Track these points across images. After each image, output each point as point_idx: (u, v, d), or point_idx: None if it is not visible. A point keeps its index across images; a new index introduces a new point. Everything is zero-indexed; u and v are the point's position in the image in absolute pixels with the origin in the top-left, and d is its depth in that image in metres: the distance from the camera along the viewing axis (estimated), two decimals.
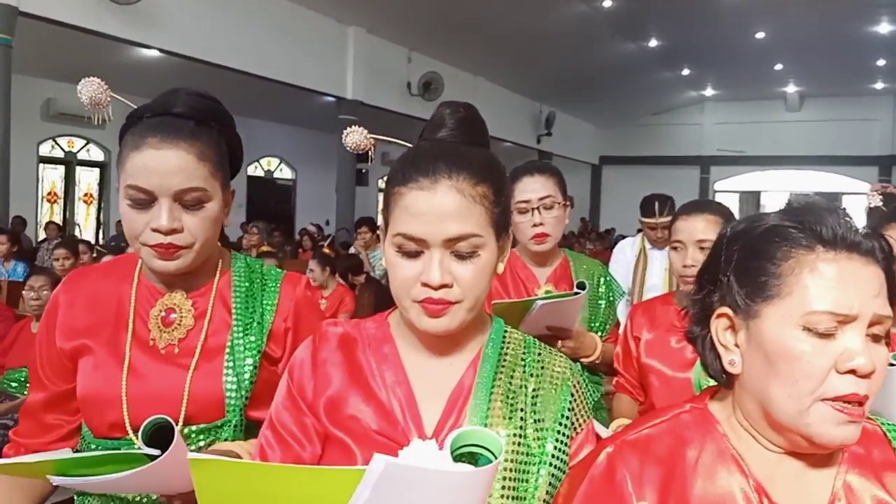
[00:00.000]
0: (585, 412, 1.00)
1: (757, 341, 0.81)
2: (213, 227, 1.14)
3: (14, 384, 3.56)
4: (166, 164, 1.07)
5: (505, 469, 0.90)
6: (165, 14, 7.89)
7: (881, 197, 1.78)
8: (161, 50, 8.26)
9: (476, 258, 0.90)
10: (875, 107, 16.98)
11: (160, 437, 0.93)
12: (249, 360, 1.17)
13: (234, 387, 1.15)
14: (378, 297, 5.40)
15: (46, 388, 1.20)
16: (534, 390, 0.96)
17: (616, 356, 1.94)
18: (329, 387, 0.95)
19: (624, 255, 3.86)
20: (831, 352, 0.77)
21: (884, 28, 11.99)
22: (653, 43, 13.31)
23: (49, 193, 11.65)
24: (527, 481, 0.91)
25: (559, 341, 1.79)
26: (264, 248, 7.17)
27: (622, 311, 2.40)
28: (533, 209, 1.89)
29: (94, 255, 6.09)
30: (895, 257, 0.82)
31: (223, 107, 1.19)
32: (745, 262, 0.83)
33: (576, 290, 1.77)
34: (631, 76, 14.85)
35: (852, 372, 0.76)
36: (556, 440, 0.94)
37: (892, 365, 0.98)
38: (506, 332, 1.02)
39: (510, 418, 0.93)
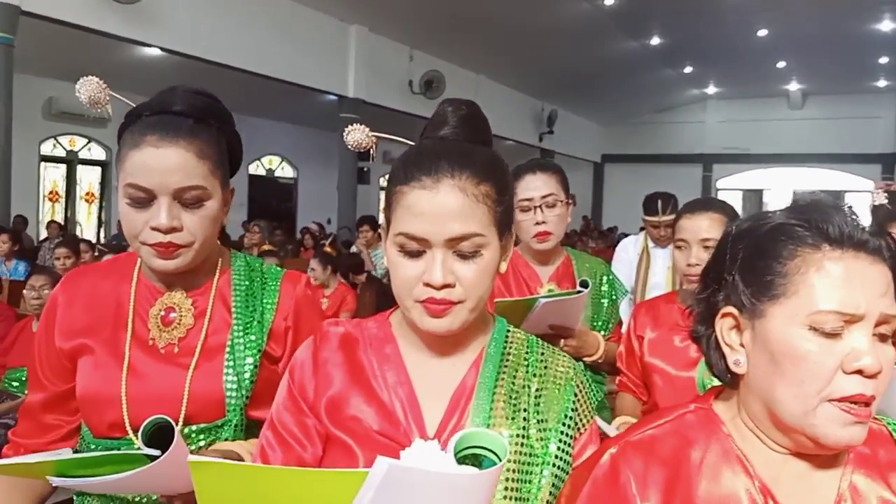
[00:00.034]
0: (589, 412, 0.99)
1: (762, 341, 0.80)
2: (213, 226, 1.14)
3: (15, 384, 3.56)
4: (165, 162, 1.06)
5: (508, 470, 0.89)
6: (167, 13, 7.90)
7: (886, 194, 1.78)
8: (162, 49, 8.26)
9: (479, 258, 0.89)
10: (878, 104, 16.95)
11: (160, 437, 0.93)
12: (250, 360, 1.16)
13: (235, 386, 1.14)
14: (380, 297, 5.40)
15: (45, 389, 1.19)
16: (537, 390, 0.96)
17: (619, 355, 1.94)
18: (330, 387, 0.95)
19: (626, 254, 3.85)
20: (838, 352, 0.76)
21: (886, 25, 11.96)
22: (655, 41, 13.28)
23: (50, 192, 11.66)
24: (530, 482, 0.91)
25: (562, 340, 1.78)
26: (266, 247, 7.17)
27: (625, 310, 2.40)
28: (535, 207, 1.88)
29: (96, 254, 6.09)
30: None
31: (222, 104, 1.18)
32: (750, 261, 0.83)
33: (578, 288, 1.76)
34: (633, 74, 14.83)
35: (859, 372, 0.75)
36: (560, 440, 0.93)
37: None
38: (508, 331, 1.01)
39: (513, 419, 0.93)
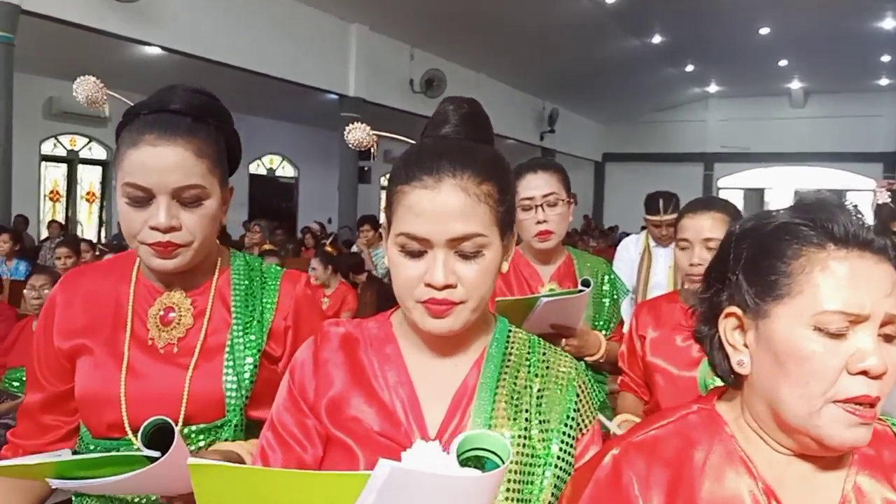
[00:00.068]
0: (591, 413, 0.98)
1: (766, 341, 0.80)
2: (212, 225, 1.13)
3: (16, 384, 3.56)
4: (164, 161, 1.06)
5: (509, 471, 0.89)
6: (167, 12, 7.90)
7: (889, 193, 1.77)
8: (163, 48, 8.26)
9: (480, 258, 0.88)
10: (880, 103, 16.92)
11: (160, 438, 0.92)
12: (249, 360, 1.16)
13: (234, 386, 1.14)
14: (380, 296, 5.39)
15: (44, 389, 1.19)
16: (539, 391, 0.95)
17: (621, 355, 1.93)
18: (331, 388, 0.94)
19: (628, 253, 3.84)
20: (843, 352, 0.75)
21: (888, 24, 11.94)
22: (657, 39, 13.27)
23: (51, 192, 11.66)
24: (532, 483, 0.90)
25: (563, 339, 1.78)
26: (266, 247, 7.17)
27: (626, 310, 2.39)
28: (536, 206, 1.88)
29: (97, 253, 6.09)
30: None
31: (220, 103, 1.18)
32: (754, 261, 0.82)
33: (580, 287, 1.76)
34: (635, 72, 14.81)
35: (864, 373, 0.75)
36: (562, 441, 0.93)
37: None
38: (510, 331, 1.00)
39: (515, 419, 0.92)
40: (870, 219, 0.81)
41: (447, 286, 0.87)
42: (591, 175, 20.14)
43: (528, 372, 0.96)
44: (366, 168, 13.57)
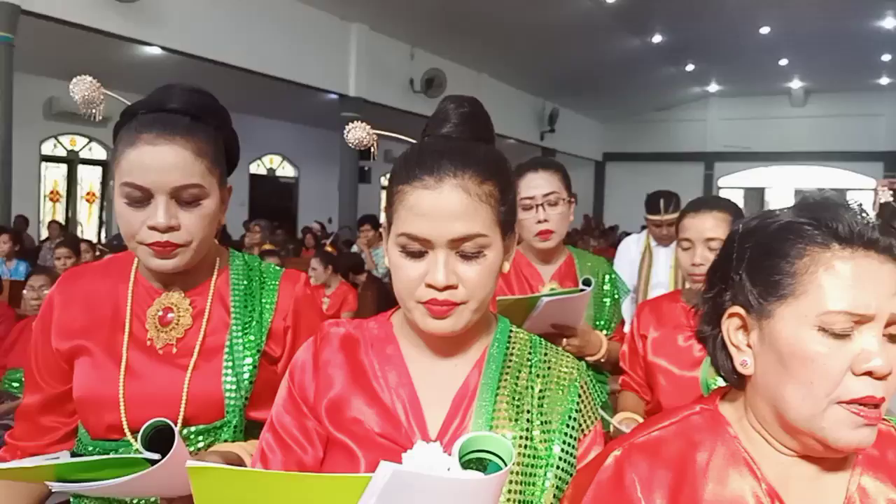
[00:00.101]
0: (593, 413, 0.98)
1: (770, 342, 0.79)
2: (211, 225, 1.12)
3: (15, 384, 3.56)
4: (162, 160, 1.05)
5: (511, 472, 0.88)
6: (167, 12, 7.89)
7: (891, 192, 1.76)
8: (163, 48, 8.25)
9: (482, 258, 0.88)
10: (880, 102, 16.92)
11: (160, 439, 0.91)
12: (249, 360, 1.15)
13: (234, 387, 1.13)
14: (380, 296, 5.39)
15: (42, 390, 1.18)
16: (540, 391, 0.94)
17: (622, 355, 1.92)
18: (331, 389, 0.94)
19: (629, 253, 3.83)
20: (847, 353, 0.75)
21: (889, 23, 11.93)
22: (657, 38, 13.26)
23: (51, 192, 11.67)
24: (533, 484, 0.90)
25: (564, 339, 1.77)
26: (267, 247, 7.16)
27: (627, 309, 2.38)
28: (537, 206, 1.87)
29: (97, 254, 6.08)
30: None
31: (218, 103, 1.17)
32: (757, 260, 0.81)
33: (581, 286, 1.75)
34: (635, 72, 14.81)
35: (869, 374, 0.74)
36: (564, 442, 0.92)
37: None
38: (511, 331, 1.00)
39: (516, 420, 0.91)
40: (873, 218, 0.81)
41: (448, 287, 0.86)
42: (592, 174, 20.14)
43: (530, 372, 0.96)
44: (366, 168, 13.57)
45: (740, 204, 1.83)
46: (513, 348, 0.97)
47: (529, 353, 0.98)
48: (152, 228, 1.06)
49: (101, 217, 12.32)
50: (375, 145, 1.14)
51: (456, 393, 0.93)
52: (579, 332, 1.80)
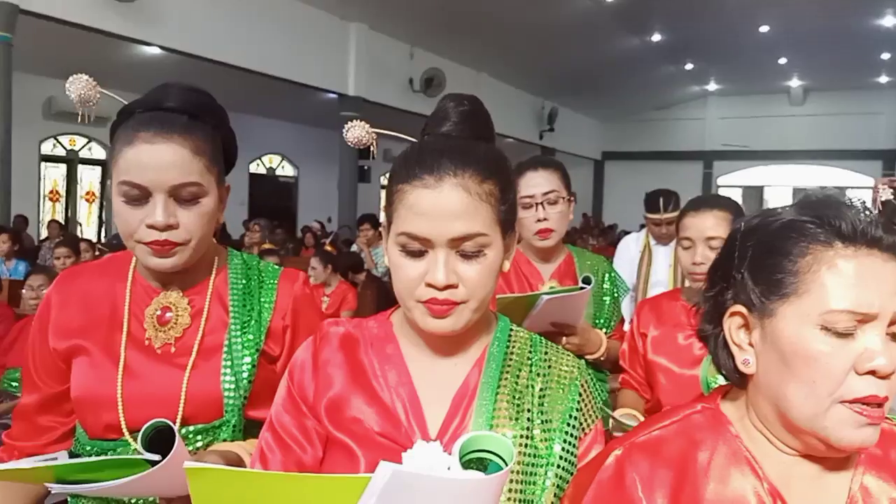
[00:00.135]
0: (594, 412, 0.97)
1: (772, 341, 0.78)
2: (209, 224, 1.12)
3: (14, 384, 3.55)
4: (160, 158, 1.05)
5: (511, 471, 0.88)
6: (167, 11, 7.88)
7: (892, 190, 1.76)
8: (162, 47, 8.25)
9: (482, 257, 0.87)
10: (879, 100, 16.92)
11: (160, 440, 0.91)
12: (247, 359, 1.15)
13: (233, 386, 1.13)
14: (380, 295, 5.39)
15: (40, 390, 1.18)
16: (541, 390, 0.94)
17: (622, 353, 1.92)
18: (331, 388, 0.93)
19: (628, 251, 3.83)
20: (850, 352, 0.74)
21: (888, 21, 11.93)
22: (656, 37, 13.26)
23: (51, 192, 11.66)
24: (534, 483, 0.89)
25: (564, 337, 1.77)
26: (266, 246, 7.16)
27: (626, 308, 2.38)
28: (537, 204, 1.87)
29: (97, 253, 6.08)
30: None
31: (216, 101, 1.16)
32: (759, 259, 0.81)
33: (581, 284, 1.75)
34: (634, 71, 14.81)
35: (872, 373, 0.74)
36: (564, 441, 0.92)
37: None
38: (511, 330, 0.99)
39: (516, 419, 0.91)
40: (876, 215, 0.80)
41: (448, 286, 0.86)
42: (591, 173, 20.14)
43: (530, 371, 0.95)
44: (366, 167, 13.56)
45: (739, 203, 1.83)
46: (513, 347, 0.97)
47: (530, 352, 0.97)
48: (151, 227, 1.06)
49: (100, 217, 12.32)
50: (375, 144, 1.14)
51: (456, 392, 0.92)
52: (579, 331, 1.80)
